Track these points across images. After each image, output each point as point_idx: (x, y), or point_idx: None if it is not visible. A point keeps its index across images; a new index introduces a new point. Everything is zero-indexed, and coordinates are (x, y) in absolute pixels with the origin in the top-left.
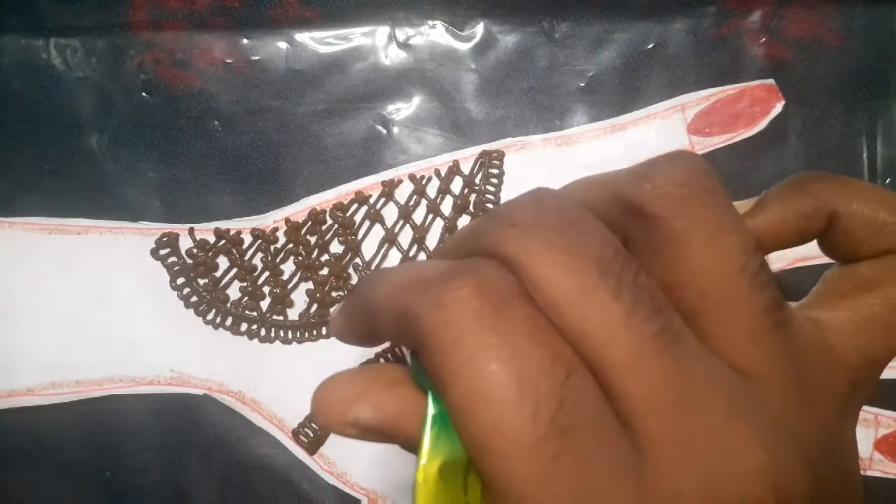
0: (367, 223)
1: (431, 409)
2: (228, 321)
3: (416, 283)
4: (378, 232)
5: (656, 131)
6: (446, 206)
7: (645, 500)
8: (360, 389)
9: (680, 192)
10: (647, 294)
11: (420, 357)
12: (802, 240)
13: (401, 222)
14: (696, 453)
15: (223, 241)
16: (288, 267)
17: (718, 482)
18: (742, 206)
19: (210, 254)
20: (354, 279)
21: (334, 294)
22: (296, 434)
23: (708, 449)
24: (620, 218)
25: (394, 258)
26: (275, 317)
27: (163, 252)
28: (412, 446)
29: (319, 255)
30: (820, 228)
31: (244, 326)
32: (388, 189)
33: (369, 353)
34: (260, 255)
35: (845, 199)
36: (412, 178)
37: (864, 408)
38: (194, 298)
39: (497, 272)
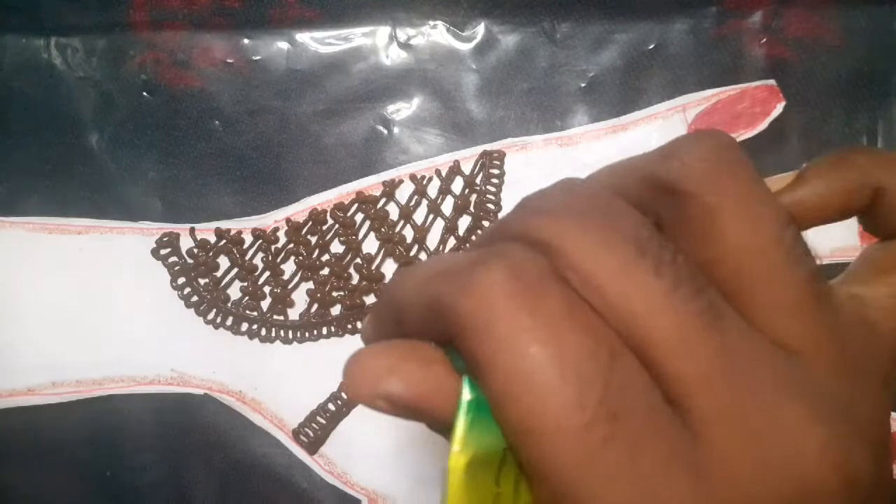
0: (367, 223)
1: (466, 395)
2: (229, 321)
3: (445, 272)
4: (379, 232)
5: (657, 132)
6: (447, 207)
7: (700, 485)
8: (392, 363)
9: (709, 166)
10: (688, 272)
11: (455, 345)
12: (844, 215)
13: (401, 222)
14: (752, 433)
15: (224, 241)
16: (288, 267)
17: (778, 463)
18: (781, 179)
19: (211, 254)
20: (355, 279)
21: (335, 294)
22: (296, 434)
23: (764, 428)
24: (650, 201)
25: (394, 258)
26: (275, 317)
27: (163, 252)
28: (440, 427)
29: (320, 255)
30: (863, 204)
31: (245, 326)
32: (389, 189)
33: None
34: (261, 254)
35: (893, 174)
36: (413, 178)
37: None
38: (195, 298)
39: (529, 255)
